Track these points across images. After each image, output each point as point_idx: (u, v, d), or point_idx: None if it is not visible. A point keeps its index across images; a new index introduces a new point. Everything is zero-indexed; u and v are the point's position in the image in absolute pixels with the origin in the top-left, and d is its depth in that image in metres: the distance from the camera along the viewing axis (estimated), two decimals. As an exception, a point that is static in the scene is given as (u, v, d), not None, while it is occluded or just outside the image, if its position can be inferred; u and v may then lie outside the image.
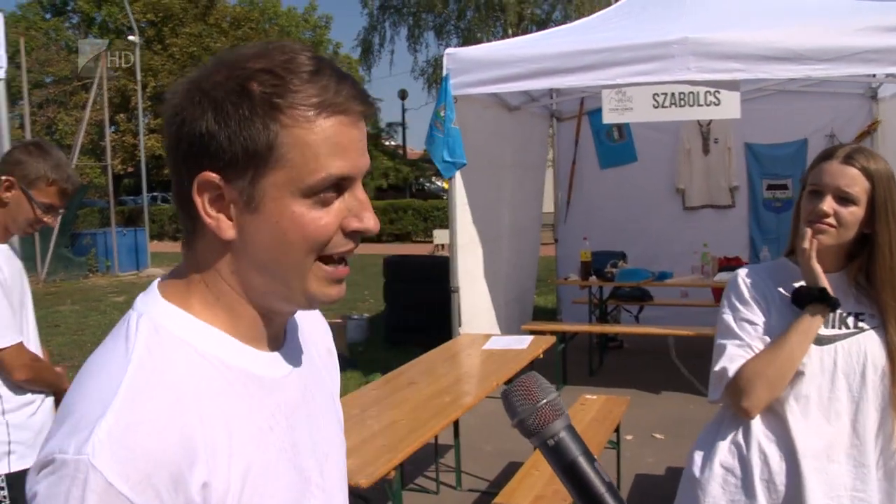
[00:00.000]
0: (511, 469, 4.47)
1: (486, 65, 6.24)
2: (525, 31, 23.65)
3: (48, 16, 31.29)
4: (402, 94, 38.93)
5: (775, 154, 8.34)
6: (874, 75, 6.47)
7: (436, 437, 4.77)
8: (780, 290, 1.99)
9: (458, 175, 6.39)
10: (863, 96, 7.85)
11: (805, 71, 5.55)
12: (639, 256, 8.08)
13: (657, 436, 5.56)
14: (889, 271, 1.89)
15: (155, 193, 29.16)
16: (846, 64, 5.39)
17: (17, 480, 2.49)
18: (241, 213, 0.88)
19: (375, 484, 2.86)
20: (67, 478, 0.76)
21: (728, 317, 2.02)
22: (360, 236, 0.92)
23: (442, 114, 6.17)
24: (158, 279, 0.96)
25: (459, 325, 6.42)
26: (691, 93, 5.81)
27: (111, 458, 0.76)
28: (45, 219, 2.52)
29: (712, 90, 5.76)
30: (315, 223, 0.88)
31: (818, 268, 1.91)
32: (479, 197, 6.86)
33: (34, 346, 2.69)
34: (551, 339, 5.40)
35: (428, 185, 34.62)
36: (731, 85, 5.72)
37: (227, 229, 0.89)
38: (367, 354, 8.39)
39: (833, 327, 1.94)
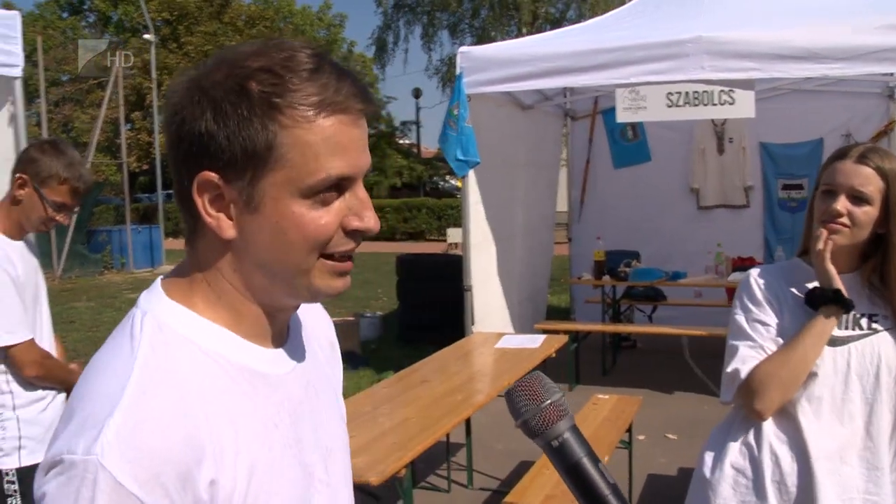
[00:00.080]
0: (522, 468, 4.46)
1: (500, 63, 6.24)
2: (539, 30, 23.61)
3: (65, 14, 31.49)
4: (417, 93, 38.98)
5: (791, 154, 8.28)
6: (892, 74, 6.41)
7: (447, 436, 4.78)
8: (793, 290, 1.98)
9: (471, 174, 6.39)
10: (880, 95, 7.77)
11: (821, 70, 5.51)
12: (652, 256, 8.04)
13: (670, 436, 5.55)
14: None
15: (170, 191, 29.05)
16: (863, 63, 5.35)
17: (27, 475, 2.52)
18: (241, 212, 0.88)
19: (386, 482, 2.86)
20: (77, 478, 0.77)
21: (740, 318, 2.01)
22: (361, 235, 0.92)
23: (455, 112, 6.17)
24: (161, 277, 0.96)
25: (472, 324, 6.42)
26: (705, 92, 5.78)
27: (120, 458, 0.77)
28: (57, 217, 2.53)
29: (727, 89, 5.72)
30: (315, 223, 0.88)
31: (832, 269, 1.89)
32: (492, 196, 6.85)
33: (48, 342, 2.71)
34: (564, 339, 5.39)
35: (442, 183, 34.62)
36: (746, 84, 5.69)
37: (228, 229, 0.88)
38: (379, 352, 8.40)
39: (846, 328, 1.93)
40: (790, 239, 7.90)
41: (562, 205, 9.50)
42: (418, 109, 39.70)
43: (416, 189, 34.35)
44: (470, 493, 4.76)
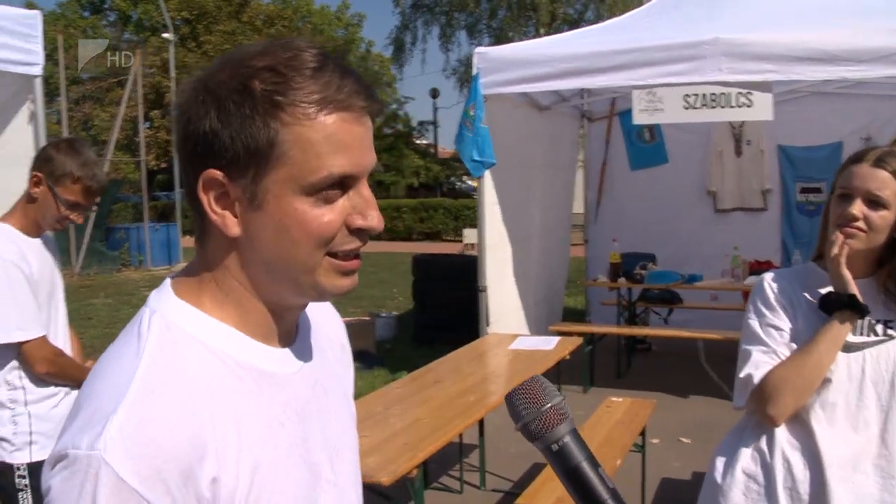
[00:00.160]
0: (535, 470, 4.45)
1: (517, 64, 6.22)
2: (557, 31, 23.53)
3: (86, 13, 31.74)
4: (434, 93, 39.01)
5: (809, 157, 8.22)
6: (913, 76, 6.34)
7: (460, 437, 4.78)
8: (807, 295, 1.96)
9: (487, 174, 6.38)
10: (901, 98, 7.71)
11: (840, 72, 5.46)
12: (669, 258, 8.01)
13: (684, 440, 5.52)
14: None
15: (187, 189, 29.44)
16: (883, 65, 5.29)
17: (38, 470, 2.54)
18: (245, 210, 0.89)
19: (397, 482, 2.86)
20: (80, 473, 0.78)
21: (754, 322, 1.99)
22: (366, 234, 0.92)
23: (472, 113, 6.17)
24: (171, 276, 0.97)
25: (487, 325, 6.41)
26: (723, 94, 5.74)
27: (122, 454, 0.78)
28: (70, 216, 2.55)
29: (744, 91, 5.68)
30: (318, 220, 0.88)
31: (847, 273, 1.87)
32: (508, 197, 6.84)
33: (62, 339, 2.73)
34: (578, 341, 5.38)
35: (459, 184, 34.64)
36: (764, 86, 5.65)
37: (233, 226, 0.89)
38: (394, 352, 8.41)
39: (861, 334, 1.90)
40: (808, 243, 7.84)
41: (578, 206, 9.48)
42: (436, 110, 39.68)
43: (433, 189, 34.38)
44: (482, 494, 4.75)
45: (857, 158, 1.92)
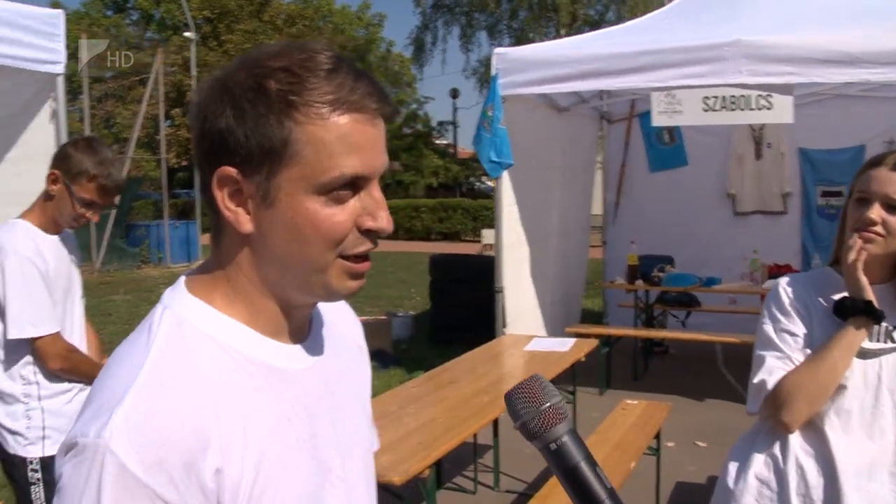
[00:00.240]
0: (549, 471, 4.43)
1: (536, 65, 6.21)
2: (578, 32, 23.48)
3: (109, 13, 32.02)
4: (454, 93, 39.00)
5: (831, 160, 8.14)
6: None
7: (475, 437, 4.79)
8: (823, 300, 1.94)
9: (505, 175, 6.37)
10: (925, 102, 7.62)
11: (863, 75, 5.41)
12: (687, 261, 7.97)
13: (699, 444, 5.49)
14: None
15: (207, 187, 29.67)
16: (907, 68, 5.24)
17: (50, 464, 2.57)
18: (258, 207, 0.90)
19: (410, 482, 2.87)
20: (87, 460, 0.80)
21: (768, 327, 1.97)
22: (376, 236, 0.94)
23: (490, 113, 6.16)
24: (185, 274, 0.99)
25: (504, 326, 6.40)
26: (743, 96, 5.70)
27: (127, 443, 0.80)
28: (86, 214, 2.57)
29: (764, 94, 5.64)
30: (329, 220, 0.89)
31: (864, 279, 1.84)
32: (526, 197, 6.83)
33: (78, 336, 2.76)
34: (594, 343, 5.36)
35: (478, 184, 34.61)
36: (785, 89, 5.61)
37: (246, 223, 0.91)
38: (411, 352, 8.42)
39: (877, 340, 1.88)
40: (828, 247, 7.68)
41: (597, 208, 9.45)
42: (455, 110, 39.78)
43: (452, 189, 34.38)
44: (496, 495, 4.75)
45: (876, 162, 1.90)
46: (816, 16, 5.81)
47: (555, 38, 21.26)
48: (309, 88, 0.87)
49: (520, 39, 25.53)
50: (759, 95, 5.69)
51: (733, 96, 5.74)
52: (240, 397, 0.89)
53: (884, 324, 1.86)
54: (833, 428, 1.88)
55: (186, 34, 20.49)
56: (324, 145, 0.88)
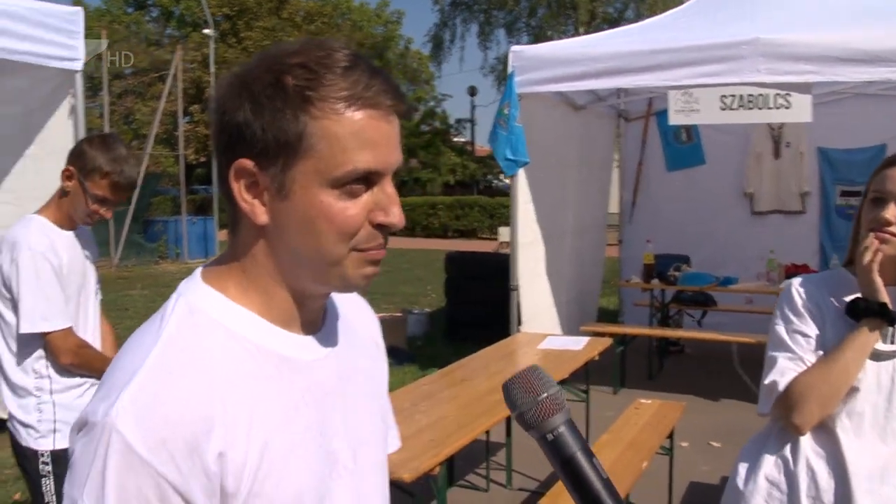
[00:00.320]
0: (562, 470, 4.43)
1: (553, 63, 6.20)
2: (597, 30, 23.37)
3: (130, 10, 32.22)
4: (472, 91, 38.93)
5: (851, 159, 8.07)
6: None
7: (487, 435, 4.78)
8: (836, 301, 1.92)
9: (521, 173, 6.36)
10: (949, 100, 7.53)
11: (883, 73, 5.36)
12: (704, 260, 7.93)
13: (714, 444, 5.46)
14: None
15: (226, 183, 29.81)
16: (928, 67, 5.19)
17: (61, 457, 2.59)
18: (273, 199, 0.92)
19: (421, 479, 2.87)
20: (95, 438, 0.83)
21: (780, 328, 1.95)
22: (388, 231, 0.95)
23: (506, 111, 6.16)
24: (203, 265, 1.02)
25: (519, 324, 6.39)
26: (760, 95, 5.66)
27: (132, 423, 0.83)
28: (100, 210, 2.59)
29: (782, 92, 5.60)
30: (342, 213, 0.91)
31: (879, 280, 1.82)
32: (542, 195, 6.82)
33: (91, 331, 2.78)
34: (607, 342, 5.34)
35: (496, 182, 34.58)
36: (803, 87, 5.56)
37: (261, 214, 0.93)
38: (425, 349, 8.43)
39: (891, 343, 1.86)
40: (846, 247, 7.69)
41: (613, 206, 9.42)
42: (473, 107, 39.57)
43: (469, 187, 34.37)
44: (508, 492, 4.75)
45: (892, 162, 1.88)
46: (835, 14, 5.75)
47: (573, 36, 21.19)
48: (325, 84, 0.89)
49: (538, 37, 25.46)
50: (777, 94, 5.65)
51: (751, 95, 5.70)
52: (247, 384, 0.91)
53: (897, 326, 1.84)
54: (845, 430, 1.86)
55: (205, 31, 20.60)
56: (338, 140, 0.89)
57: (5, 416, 2.70)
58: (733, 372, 6.60)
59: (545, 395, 0.95)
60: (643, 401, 4.63)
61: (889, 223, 1.82)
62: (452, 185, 34.15)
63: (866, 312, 1.82)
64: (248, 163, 0.91)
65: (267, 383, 0.93)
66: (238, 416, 0.89)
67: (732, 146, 8.35)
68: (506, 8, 27.89)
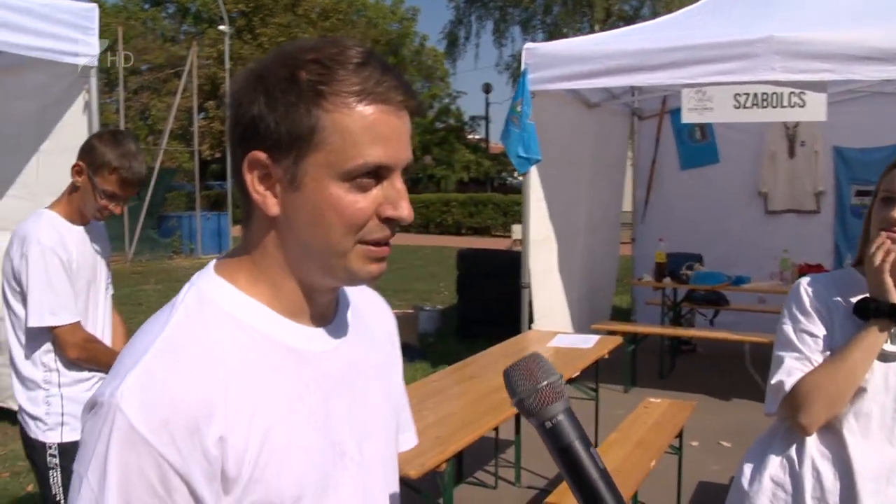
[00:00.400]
0: (571, 469, 4.43)
1: (566, 60, 6.17)
2: (612, 27, 23.28)
3: (147, 6, 32.36)
4: (487, 88, 38.94)
5: (866, 159, 8.00)
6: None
7: (496, 432, 4.79)
8: (845, 301, 1.90)
9: (533, 171, 6.35)
10: (965, 100, 7.46)
11: (900, 72, 5.31)
12: (717, 259, 7.90)
13: (724, 443, 5.44)
14: None
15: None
16: (946, 65, 5.13)
17: (68, 450, 2.61)
18: (285, 191, 0.94)
19: (428, 476, 2.88)
20: (101, 417, 0.87)
21: (788, 328, 1.94)
22: (396, 224, 0.97)
23: (518, 109, 6.14)
24: (217, 257, 1.04)
25: (531, 322, 6.39)
26: (775, 93, 5.62)
27: (136, 403, 0.86)
28: (108, 206, 2.61)
29: (797, 91, 5.56)
30: (352, 206, 0.93)
31: (890, 281, 1.81)
32: (555, 193, 6.80)
33: (101, 326, 2.80)
34: (617, 340, 5.32)
35: (510, 179, 34.53)
36: (818, 86, 5.51)
37: (273, 206, 0.95)
38: (437, 346, 8.44)
39: None
40: (861, 247, 7.64)
41: (627, 205, 9.40)
42: (488, 105, 39.70)
43: (483, 184, 34.35)
44: (517, 490, 4.75)
45: (902, 161, 1.87)
46: (851, 11, 5.70)
47: (589, 33, 21.12)
48: (338, 79, 0.92)
49: (553, 35, 25.38)
50: (792, 93, 5.61)
51: (765, 93, 5.66)
52: (252, 372, 0.93)
53: (906, 326, 1.82)
54: (852, 431, 1.85)
55: (221, 27, 20.67)
56: (349, 134, 0.91)
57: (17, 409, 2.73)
58: (745, 371, 6.57)
59: (545, 382, 0.96)
60: (653, 400, 4.62)
61: (898, 223, 1.81)
62: (466, 182, 34.14)
63: (876, 313, 1.81)
64: (261, 155, 0.93)
65: (272, 372, 0.95)
66: (241, 403, 0.90)
67: (747, 145, 8.30)
68: (521, 5, 27.83)
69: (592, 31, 23.62)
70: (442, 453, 2.91)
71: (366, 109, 0.92)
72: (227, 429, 0.88)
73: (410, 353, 7.65)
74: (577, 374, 4.55)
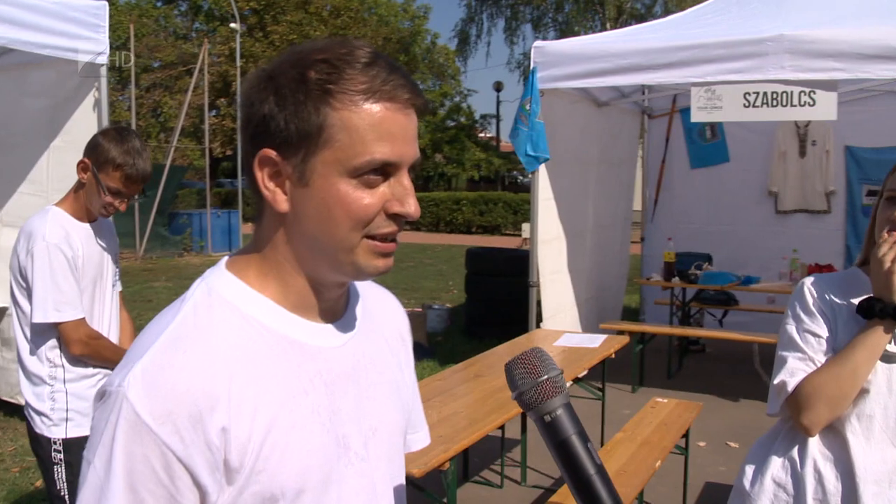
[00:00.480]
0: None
1: (575, 59, 6.16)
2: (624, 26, 23.22)
3: (159, 3, 32.45)
4: (498, 86, 38.83)
5: (879, 158, 7.94)
6: None
7: (502, 431, 4.78)
8: (850, 301, 1.89)
9: (542, 169, 6.33)
10: (978, 99, 7.39)
11: (911, 71, 5.26)
12: (726, 259, 7.87)
13: (731, 444, 5.41)
14: None
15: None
16: (959, 64, 5.08)
17: (72, 445, 2.63)
18: (294, 187, 0.97)
19: (433, 475, 2.88)
20: (109, 405, 0.90)
21: (791, 328, 1.93)
22: (403, 220, 0.99)
23: (527, 107, 6.13)
24: (229, 254, 1.07)
25: (541, 321, 6.37)
26: (784, 92, 5.58)
27: (141, 393, 0.89)
28: (113, 202, 2.62)
29: (807, 90, 5.52)
30: (358, 202, 0.95)
31: (895, 280, 1.80)
32: (564, 192, 6.79)
33: (107, 322, 2.81)
34: (624, 339, 5.31)
35: (521, 178, 34.48)
36: (829, 85, 5.48)
37: (282, 202, 0.98)
38: (445, 345, 8.43)
39: None
40: (871, 247, 7.59)
41: (637, 204, 9.37)
42: (499, 103, 39.64)
43: (493, 182, 34.31)
44: (522, 489, 4.74)
45: (908, 161, 1.86)
46: (862, 9, 5.66)
47: (600, 31, 21.05)
48: (345, 78, 0.94)
49: (565, 33, 25.36)
50: (802, 92, 5.57)
51: (775, 92, 5.62)
52: (256, 365, 0.95)
53: (910, 327, 1.80)
54: (854, 433, 1.84)
55: (232, 25, 20.72)
56: (356, 131, 0.94)
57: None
58: (754, 372, 6.55)
59: (545, 377, 0.97)
60: (659, 400, 4.61)
61: (903, 223, 1.80)
62: (477, 180, 34.11)
63: (882, 313, 1.79)
64: (271, 152, 0.96)
65: (276, 366, 0.97)
66: (244, 395, 0.92)
67: (757, 144, 8.26)
68: (533, 3, 27.81)
69: (604, 29, 23.56)
70: (445, 452, 2.91)
71: (373, 107, 0.94)
72: (230, 420, 0.91)
73: (418, 351, 7.65)
74: (585, 373, 4.54)
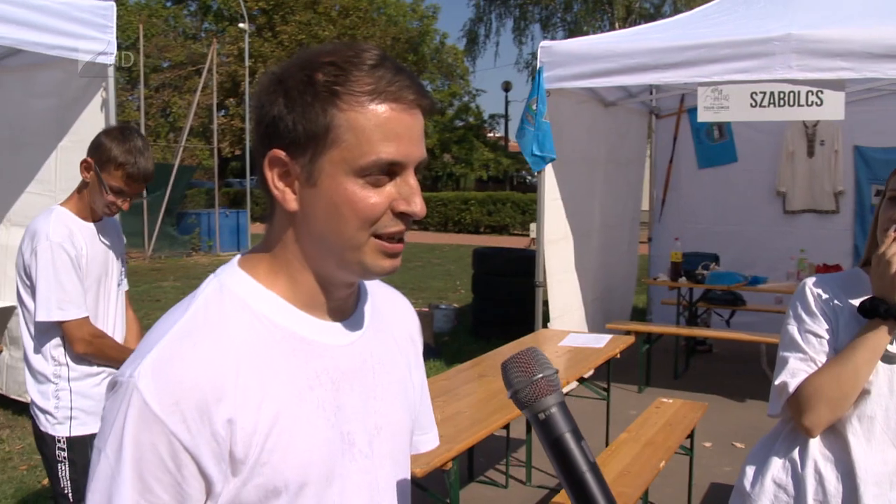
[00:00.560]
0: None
1: (581, 59, 6.14)
2: (633, 26, 23.17)
3: (168, 3, 32.55)
4: (506, 86, 38.79)
5: (888, 158, 7.89)
6: None
7: (507, 431, 4.78)
8: (851, 302, 1.88)
9: (548, 169, 6.33)
10: None
11: (922, 71, 5.23)
12: (734, 260, 7.85)
13: (737, 445, 5.40)
14: None
15: (260, 176, 30.03)
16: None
17: (76, 444, 2.64)
18: (302, 187, 0.99)
19: (435, 475, 2.88)
20: (120, 395, 0.94)
21: (793, 328, 1.93)
22: (409, 219, 1.01)
23: (534, 107, 6.12)
24: (241, 253, 1.09)
25: (548, 321, 6.37)
26: (792, 92, 5.56)
27: (151, 383, 0.92)
28: (116, 201, 2.63)
29: (815, 90, 5.50)
30: (365, 201, 0.97)
31: None
32: (570, 192, 6.77)
33: (112, 321, 2.82)
34: (630, 340, 5.30)
35: (529, 178, 34.43)
36: (836, 85, 5.45)
37: (291, 201, 1.00)
38: (451, 345, 8.43)
39: None
40: (879, 247, 7.55)
41: (644, 203, 9.35)
42: (507, 103, 39.54)
43: (502, 182, 34.28)
44: (527, 489, 4.74)
45: (911, 162, 1.85)
46: (870, 8, 5.63)
47: (609, 31, 20.99)
48: (352, 80, 0.96)
49: (573, 32, 25.30)
50: (809, 91, 5.55)
51: (782, 92, 5.60)
52: (263, 360, 0.98)
53: (912, 327, 1.80)
54: (855, 434, 1.83)
55: (241, 25, 20.76)
56: (363, 131, 0.96)
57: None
58: (761, 372, 6.52)
59: (540, 375, 0.98)
60: (664, 400, 4.60)
61: (905, 223, 1.79)
62: (485, 180, 34.09)
63: (885, 314, 1.78)
64: (280, 153, 0.99)
65: (283, 361, 0.99)
66: (251, 388, 0.95)
67: (765, 144, 8.24)
68: (541, 3, 27.77)
69: (613, 28, 23.51)
70: (447, 452, 2.91)
71: (378, 108, 0.96)
72: (236, 412, 0.93)
73: (425, 351, 7.60)
74: (591, 373, 4.53)
